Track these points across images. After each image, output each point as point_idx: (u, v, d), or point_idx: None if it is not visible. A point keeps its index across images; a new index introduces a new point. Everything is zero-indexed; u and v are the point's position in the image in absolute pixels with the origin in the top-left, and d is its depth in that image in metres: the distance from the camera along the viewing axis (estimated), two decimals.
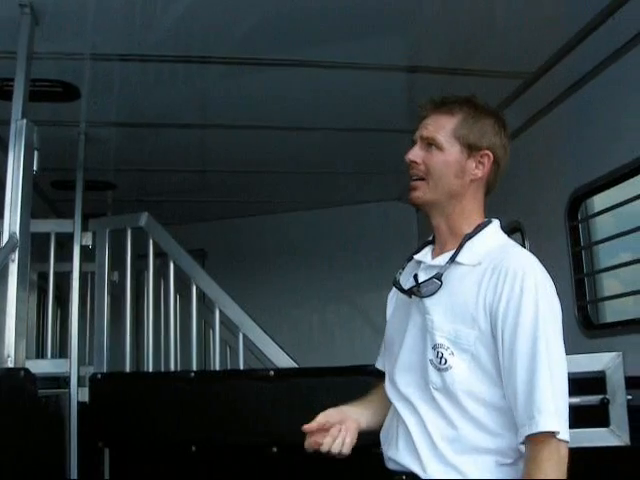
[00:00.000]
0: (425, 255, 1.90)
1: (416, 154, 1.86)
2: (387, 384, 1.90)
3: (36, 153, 2.78)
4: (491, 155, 1.84)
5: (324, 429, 1.83)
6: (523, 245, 4.01)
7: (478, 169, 1.84)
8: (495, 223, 1.88)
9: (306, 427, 1.82)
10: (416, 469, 1.72)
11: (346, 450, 1.82)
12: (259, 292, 6.04)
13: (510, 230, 4.14)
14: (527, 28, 3.23)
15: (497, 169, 1.87)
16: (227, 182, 5.69)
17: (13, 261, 2.57)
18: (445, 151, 1.83)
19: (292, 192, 5.97)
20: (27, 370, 2.50)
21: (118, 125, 4.38)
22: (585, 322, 3.53)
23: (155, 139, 4.67)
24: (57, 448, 3.50)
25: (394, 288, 1.98)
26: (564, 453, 1.61)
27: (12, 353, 2.49)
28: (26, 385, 2.48)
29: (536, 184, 3.95)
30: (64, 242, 4.33)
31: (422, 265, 1.88)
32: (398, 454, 1.79)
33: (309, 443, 1.84)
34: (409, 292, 1.84)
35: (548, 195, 3.81)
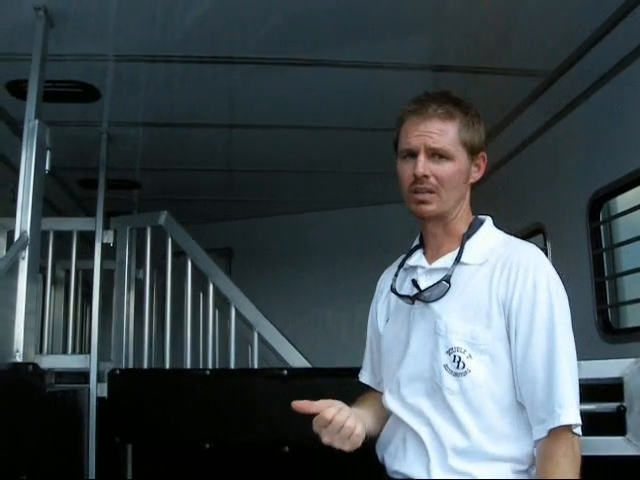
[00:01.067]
0: (419, 260, 1.86)
1: (426, 167, 1.74)
2: (387, 396, 1.83)
3: (48, 153, 2.82)
4: (485, 155, 1.82)
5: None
6: (545, 247, 3.96)
7: (477, 172, 1.83)
8: (489, 219, 1.86)
9: (301, 404, 1.70)
10: (424, 476, 1.68)
11: (357, 437, 1.68)
12: (285, 290, 6.08)
13: (531, 232, 4.10)
14: (547, 25, 3.20)
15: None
16: (253, 181, 5.72)
17: (23, 258, 2.63)
18: (456, 160, 1.76)
19: (318, 191, 5.99)
20: (35, 365, 2.54)
21: (142, 125, 4.45)
22: (605, 326, 3.45)
23: (180, 139, 4.72)
24: (73, 442, 3.55)
25: (381, 299, 1.95)
26: (578, 449, 1.60)
27: (21, 348, 2.55)
28: (34, 379, 2.52)
29: (557, 185, 3.88)
30: (93, 240, 4.40)
31: (420, 270, 1.83)
32: (406, 465, 1.74)
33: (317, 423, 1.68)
34: (412, 298, 1.79)
35: (569, 196, 3.75)
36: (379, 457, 1.86)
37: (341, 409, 1.70)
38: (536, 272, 1.68)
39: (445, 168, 1.75)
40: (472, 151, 1.79)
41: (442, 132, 1.74)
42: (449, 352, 1.69)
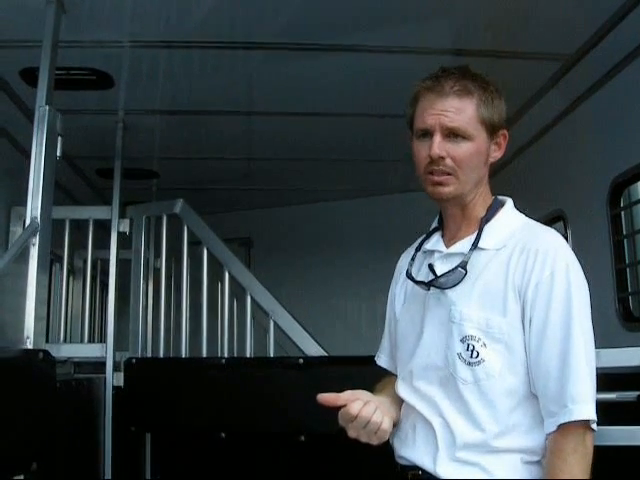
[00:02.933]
0: (437, 244, 1.79)
1: (442, 148, 1.65)
2: (400, 383, 1.78)
3: (60, 139, 2.80)
4: (507, 133, 1.73)
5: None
6: (565, 234, 3.89)
7: (498, 151, 1.74)
8: (509, 203, 1.77)
9: (326, 398, 1.63)
10: (434, 468, 1.63)
11: (384, 432, 1.64)
12: (304, 279, 6.04)
13: (552, 219, 4.03)
14: (568, 7, 3.10)
15: None
16: (273, 170, 5.66)
17: (34, 245, 2.61)
18: (474, 140, 1.67)
19: (338, 180, 5.91)
20: (46, 352, 2.52)
21: (159, 113, 4.40)
22: (626, 314, 3.38)
23: (199, 127, 4.67)
24: (89, 431, 3.56)
25: (400, 281, 1.88)
26: (591, 445, 1.54)
27: (31, 335, 2.53)
28: (44, 366, 2.51)
29: (578, 171, 3.81)
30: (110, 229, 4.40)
31: (437, 255, 1.77)
32: (413, 452, 1.69)
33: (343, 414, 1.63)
34: (428, 284, 1.72)
35: (590, 182, 3.67)
36: (390, 441, 1.80)
37: (367, 402, 1.65)
38: (555, 259, 1.60)
39: (463, 149, 1.66)
40: (492, 129, 1.70)
41: (459, 110, 1.65)
42: (463, 340, 1.63)
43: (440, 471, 1.62)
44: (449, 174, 1.68)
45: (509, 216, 1.74)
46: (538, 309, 1.58)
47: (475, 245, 1.68)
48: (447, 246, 1.77)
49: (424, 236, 1.88)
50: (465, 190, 1.71)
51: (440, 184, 1.69)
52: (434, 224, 1.87)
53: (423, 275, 1.77)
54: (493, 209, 1.73)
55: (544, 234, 1.69)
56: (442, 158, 1.66)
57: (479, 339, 1.62)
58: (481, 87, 1.68)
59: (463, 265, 1.66)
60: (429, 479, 1.64)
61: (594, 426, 1.54)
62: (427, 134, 1.68)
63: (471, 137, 1.67)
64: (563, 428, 1.53)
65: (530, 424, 1.60)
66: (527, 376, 1.61)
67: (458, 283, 1.66)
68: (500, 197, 1.79)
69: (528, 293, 1.59)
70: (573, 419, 1.52)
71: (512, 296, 1.61)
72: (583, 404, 1.52)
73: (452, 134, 1.66)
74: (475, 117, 1.67)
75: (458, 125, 1.65)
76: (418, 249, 1.85)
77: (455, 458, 1.61)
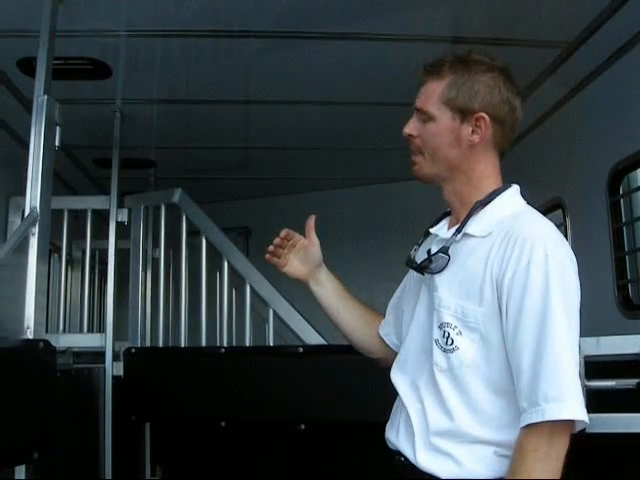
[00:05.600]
0: (441, 228, 1.79)
1: (412, 127, 1.74)
2: (393, 369, 1.80)
3: (58, 129, 2.79)
4: (487, 117, 1.67)
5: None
6: (564, 222, 3.89)
7: (475, 134, 1.69)
8: (513, 188, 1.74)
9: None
10: (414, 456, 1.64)
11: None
12: None
13: (551, 207, 4.03)
14: None
15: (502, 128, 1.71)
16: (271, 159, 5.64)
17: (33, 235, 2.60)
18: (437, 120, 1.70)
19: (337, 168, 5.89)
20: (46, 342, 2.53)
21: (156, 102, 4.39)
22: (625, 302, 3.38)
23: (195, 116, 4.66)
24: (89, 420, 3.56)
25: None
26: (559, 445, 1.48)
27: (32, 325, 2.53)
28: (45, 356, 2.51)
29: (577, 158, 3.80)
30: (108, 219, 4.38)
31: (436, 238, 1.77)
32: (398, 439, 1.71)
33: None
34: (421, 269, 1.73)
35: (589, 169, 3.66)
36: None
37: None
38: (533, 249, 1.54)
39: (427, 128, 1.71)
40: (460, 112, 1.68)
41: (427, 92, 1.72)
42: (440, 327, 1.64)
43: (419, 459, 1.63)
44: (420, 153, 1.73)
45: (504, 203, 1.70)
46: (513, 300, 1.54)
47: (459, 230, 1.67)
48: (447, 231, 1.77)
49: (433, 221, 1.88)
50: (436, 170, 1.73)
51: (413, 163, 1.76)
52: (448, 208, 1.86)
53: (420, 259, 1.77)
54: (492, 195, 1.70)
55: (529, 223, 1.64)
56: (412, 137, 1.74)
57: (455, 327, 1.61)
58: (459, 70, 1.69)
59: (444, 250, 1.66)
60: (410, 466, 1.65)
61: (579, 423, 1.49)
62: None
63: (432, 117, 1.70)
64: (531, 426, 1.49)
65: (510, 419, 1.56)
66: (504, 370, 1.57)
67: (443, 269, 1.66)
68: (507, 185, 1.75)
69: (504, 283, 1.55)
70: (545, 419, 1.46)
71: (489, 286, 1.58)
72: (556, 403, 1.47)
73: (420, 115, 1.72)
74: (439, 98, 1.69)
75: (421, 106, 1.72)
76: (427, 233, 1.86)
77: (430, 445, 1.62)
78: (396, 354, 1.85)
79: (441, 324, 1.64)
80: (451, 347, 1.61)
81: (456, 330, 1.61)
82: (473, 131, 1.69)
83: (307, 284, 2.04)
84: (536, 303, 1.52)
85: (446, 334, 1.62)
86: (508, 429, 1.56)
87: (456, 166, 1.72)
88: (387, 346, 1.98)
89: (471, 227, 1.67)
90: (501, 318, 1.57)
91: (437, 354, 1.64)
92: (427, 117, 1.71)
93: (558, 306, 1.51)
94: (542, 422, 1.47)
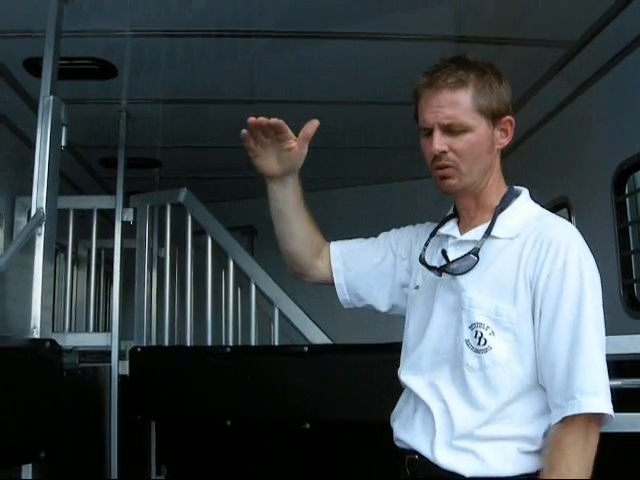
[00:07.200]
0: (452, 229, 1.80)
1: (441, 142, 1.66)
2: (404, 368, 1.80)
3: (64, 129, 2.81)
4: (512, 118, 1.72)
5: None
6: (570, 221, 3.87)
7: (504, 137, 1.73)
8: (525, 192, 1.78)
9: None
10: (431, 453, 1.64)
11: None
12: None
13: (556, 206, 4.03)
14: None
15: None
16: None
17: (40, 234, 2.62)
18: (474, 130, 1.67)
19: (341, 168, 5.90)
20: (53, 341, 2.54)
21: (161, 102, 4.40)
22: (630, 301, 3.40)
23: (200, 115, 4.67)
24: (95, 419, 3.57)
25: (418, 243, 1.88)
26: (594, 439, 1.53)
27: (38, 324, 2.55)
28: (51, 356, 2.52)
29: (582, 157, 3.81)
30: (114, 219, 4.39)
31: (451, 240, 1.78)
32: (411, 436, 1.71)
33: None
34: (440, 270, 1.73)
35: (594, 169, 3.67)
36: (392, 424, 1.83)
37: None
38: (568, 251, 1.59)
39: (463, 141, 1.67)
40: (493, 116, 1.69)
41: (454, 103, 1.65)
42: (471, 327, 1.64)
43: (438, 456, 1.63)
44: (453, 167, 1.69)
45: (524, 206, 1.75)
46: (549, 300, 1.59)
47: (488, 233, 1.69)
48: (461, 233, 1.77)
49: (438, 223, 1.88)
50: (471, 180, 1.72)
51: (445, 177, 1.71)
52: (450, 211, 1.87)
53: (436, 261, 1.78)
54: (508, 198, 1.74)
55: (558, 225, 1.69)
56: (444, 152, 1.67)
57: (487, 327, 1.62)
58: (477, 75, 1.67)
59: (475, 252, 1.67)
60: (426, 464, 1.65)
61: (608, 418, 1.53)
62: (429, 131, 1.69)
63: (470, 128, 1.67)
64: (567, 420, 1.52)
65: (534, 414, 1.61)
66: (534, 367, 1.61)
67: (470, 270, 1.67)
68: (516, 187, 1.79)
69: (539, 284, 1.60)
70: (582, 411, 1.51)
71: (523, 286, 1.62)
72: (592, 396, 1.52)
73: (451, 128, 1.67)
74: (471, 107, 1.66)
75: (453, 119, 1.66)
76: (433, 234, 1.86)
77: (452, 444, 1.62)
78: (326, 284, 1.95)
79: (472, 324, 1.65)
80: (484, 347, 1.62)
81: (489, 330, 1.62)
82: (501, 134, 1.73)
83: (270, 181, 1.93)
84: (572, 303, 1.57)
85: (478, 334, 1.63)
86: (531, 425, 1.60)
87: (487, 171, 1.74)
88: (321, 272, 2.00)
89: (497, 230, 1.69)
90: (533, 317, 1.61)
91: (468, 354, 1.64)
92: (462, 129, 1.66)
93: (592, 305, 1.57)
94: (578, 415, 1.51)
